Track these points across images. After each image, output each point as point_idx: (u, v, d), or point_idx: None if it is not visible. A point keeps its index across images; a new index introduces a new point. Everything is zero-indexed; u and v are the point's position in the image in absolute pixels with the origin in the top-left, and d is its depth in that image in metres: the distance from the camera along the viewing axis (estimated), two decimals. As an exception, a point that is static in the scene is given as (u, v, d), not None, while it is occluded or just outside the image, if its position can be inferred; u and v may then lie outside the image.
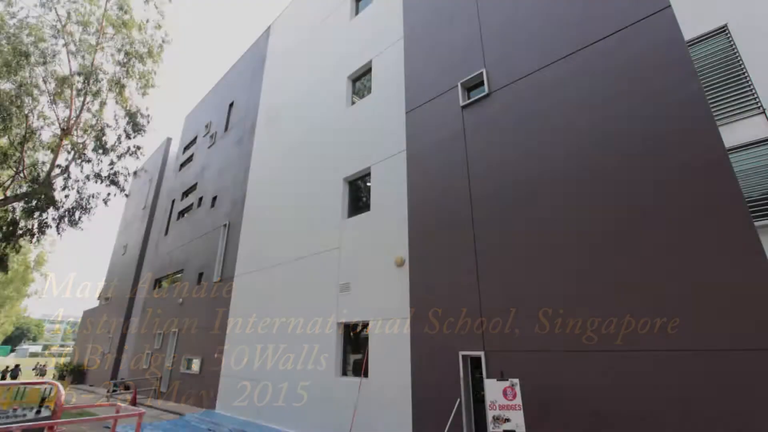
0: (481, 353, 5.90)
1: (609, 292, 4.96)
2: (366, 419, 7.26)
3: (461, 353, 6.16)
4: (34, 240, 16.72)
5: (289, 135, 13.00)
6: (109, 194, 18.19)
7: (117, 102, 17.37)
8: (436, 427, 6.10)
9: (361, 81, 11.19)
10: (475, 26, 8.06)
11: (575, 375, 4.95)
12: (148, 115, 18.54)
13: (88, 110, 16.82)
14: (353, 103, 10.92)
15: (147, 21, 17.08)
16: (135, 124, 17.84)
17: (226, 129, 18.17)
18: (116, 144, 17.82)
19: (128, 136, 18.03)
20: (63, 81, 15.49)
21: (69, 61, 15.60)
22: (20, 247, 17.14)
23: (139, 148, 18.64)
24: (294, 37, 15.05)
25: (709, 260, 4.35)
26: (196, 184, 19.15)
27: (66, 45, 15.42)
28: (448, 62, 8.32)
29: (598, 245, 5.21)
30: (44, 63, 14.97)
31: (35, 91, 15.15)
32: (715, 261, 4.31)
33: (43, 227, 16.19)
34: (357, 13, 12.03)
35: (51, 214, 16.46)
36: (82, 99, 16.08)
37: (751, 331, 3.96)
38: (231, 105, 18.62)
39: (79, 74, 15.77)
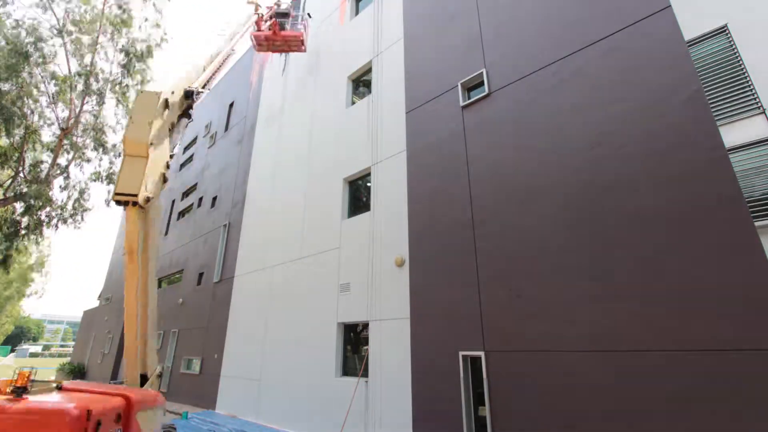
0: (481, 353, 5.90)
1: (609, 292, 4.96)
2: (366, 419, 7.26)
3: (461, 353, 6.16)
4: (38, 239, 16.75)
5: (289, 135, 13.00)
6: (108, 192, 18.21)
7: (119, 102, 17.41)
8: (436, 427, 6.11)
9: (361, 81, 11.19)
10: (475, 26, 8.05)
11: (576, 375, 4.95)
12: None
13: (91, 110, 16.85)
14: (353, 103, 10.91)
15: (146, 20, 17.10)
16: None
17: (226, 129, 18.16)
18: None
19: None
20: (63, 81, 15.51)
21: (68, 61, 15.62)
22: (25, 247, 17.17)
23: None
24: (294, 37, 15.04)
25: (709, 260, 4.35)
26: (196, 185, 19.15)
27: (64, 45, 15.44)
28: (448, 62, 8.31)
29: (599, 245, 5.21)
30: (44, 63, 14.98)
31: (35, 92, 15.16)
32: (715, 261, 4.31)
33: (40, 225, 16.20)
34: (357, 13, 12.03)
35: (47, 212, 16.47)
36: (81, 98, 16.10)
37: (751, 331, 3.96)
38: (231, 105, 18.62)
39: (78, 75, 15.79)
